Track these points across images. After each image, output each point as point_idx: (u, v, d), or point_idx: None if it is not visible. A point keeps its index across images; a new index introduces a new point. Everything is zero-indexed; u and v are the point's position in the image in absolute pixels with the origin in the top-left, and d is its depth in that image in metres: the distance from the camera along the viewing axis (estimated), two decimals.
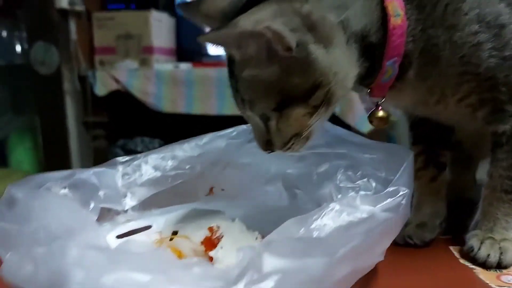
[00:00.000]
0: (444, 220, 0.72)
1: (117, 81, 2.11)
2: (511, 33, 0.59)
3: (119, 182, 0.62)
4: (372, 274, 0.60)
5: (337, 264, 0.42)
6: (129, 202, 0.62)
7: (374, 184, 0.59)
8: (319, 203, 0.60)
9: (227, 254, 0.53)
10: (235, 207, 0.69)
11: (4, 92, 2.30)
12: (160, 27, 2.24)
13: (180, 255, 0.51)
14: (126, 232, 0.59)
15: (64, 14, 2.10)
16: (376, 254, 0.49)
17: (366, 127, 1.66)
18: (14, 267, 0.41)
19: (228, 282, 0.37)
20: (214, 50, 2.39)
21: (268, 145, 0.59)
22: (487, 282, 0.59)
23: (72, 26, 2.14)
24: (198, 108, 2.05)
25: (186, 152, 0.66)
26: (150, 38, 2.17)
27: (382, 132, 1.72)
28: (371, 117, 0.64)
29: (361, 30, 0.57)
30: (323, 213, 0.49)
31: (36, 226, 0.41)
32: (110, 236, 0.56)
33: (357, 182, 0.60)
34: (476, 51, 0.58)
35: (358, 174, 0.61)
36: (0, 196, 0.47)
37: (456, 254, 0.67)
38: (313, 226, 0.48)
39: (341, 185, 0.61)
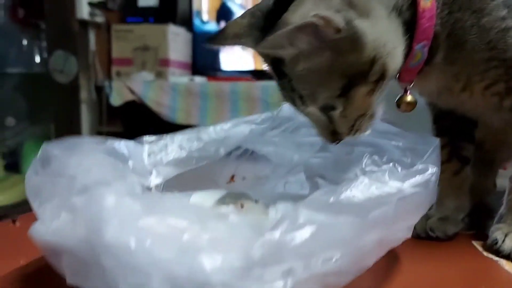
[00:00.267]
0: (467, 215, 0.72)
1: (132, 92, 2.14)
2: None
3: (146, 160, 0.62)
4: (396, 263, 0.59)
5: (368, 227, 0.42)
6: (154, 180, 0.62)
7: (400, 169, 0.59)
8: None
9: None
10: (256, 194, 0.69)
11: (21, 101, 2.33)
12: (177, 41, 2.29)
13: None
14: None
15: (84, 25, 2.15)
16: (404, 228, 0.49)
17: None
18: (50, 218, 0.41)
19: (263, 231, 0.37)
20: (228, 65, 2.44)
21: (334, 135, 0.60)
22: None
23: (92, 37, 2.19)
24: (212, 120, 2.07)
25: (211, 135, 0.67)
26: (166, 51, 2.21)
27: None
28: (400, 101, 0.64)
29: (394, 4, 0.57)
30: (352, 185, 0.49)
31: (72, 176, 0.41)
32: None
33: (383, 167, 0.60)
34: (503, 36, 0.59)
35: (384, 159, 0.61)
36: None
37: (479, 248, 0.67)
38: (342, 196, 0.48)
39: (367, 169, 0.61)
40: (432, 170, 0.52)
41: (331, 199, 0.47)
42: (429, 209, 0.71)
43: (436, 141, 0.59)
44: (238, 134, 0.68)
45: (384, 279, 0.55)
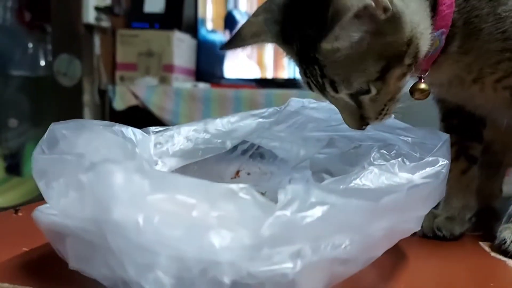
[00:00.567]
0: (474, 215, 0.71)
1: (136, 96, 2.14)
2: None
3: (151, 150, 0.62)
4: (403, 261, 0.59)
5: (378, 212, 0.41)
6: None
7: (408, 163, 0.59)
8: None
9: None
10: (261, 189, 0.69)
11: (25, 102, 2.33)
12: (181, 47, 2.30)
13: None
14: None
15: (90, 29, 2.16)
16: (414, 219, 0.48)
17: None
18: (57, 197, 0.40)
19: (273, 210, 0.36)
20: (232, 73, 2.45)
21: (362, 120, 0.60)
22: None
23: (97, 41, 2.20)
24: None
25: (218, 127, 0.67)
26: (171, 57, 2.22)
27: None
28: (413, 88, 0.63)
29: None
30: (362, 175, 0.48)
31: (80, 155, 0.40)
32: None
33: (392, 161, 0.60)
34: None
35: (392, 153, 0.60)
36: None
37: (487, 248, 0.66)
38: (351, 185, 0.47)
39: (375, 162, 0.60)
40: (443, 162, 0.51)
41: (341, 187, 0.46)
42: (436, 208, 0.70)
43: (446, 136, 0.59)
44: (245, 127, 0.68)
45: (390, 277, 0.54)
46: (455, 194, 0.71)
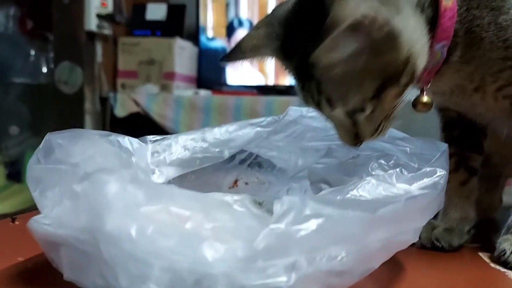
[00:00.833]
0: (473, 227, 0.70)
1: (137, 103, 2.14)
2: None
3: (149, 159, 0.61)
4: (400, 272, 0.58)
5: (375, 224, 0.41)
6: (157, 179, 0.61)
7: (406, 174, 0.58)
8: None
9: None
10: (259, 199, 0.68)
11: (26, 110, 2.33)
12: (183, 55, 2.30)
13: None
14: None
15: (92, 36, 2.17)
16: (411, 230, 0.48)
17: None
18: (51, 207, 0.40)
19: (268, 222, 0.36)
20: (233, 80, 2.45)
21: (356, 139, 0.59)
22: None
23: (98, 48, 2.21)
24: None
25: (216, 136, 0.66)
26: (172, 65, 2.23)
27: None
28: (416, 101, 0.63)
29: (418, 1, 0.56)
30: (359, 185, 0.48)
31: (75, 164, 0.40)
32: None
33: (389, 172, 0.60)
34: None
35: (390, 163, 0.60)
36: None
37: (486, 259, 0.65)
38: (348, 195, 0.47)
39: (373, 173, 0.60)
40: (441, 173, 0.51)
41: (338, 197, 0.46)
42: (435, 218, 0.70)
43: (444, 146, 0.58)
44: (243, 136, 0.68)
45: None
46: (454, 205, 0.70)
